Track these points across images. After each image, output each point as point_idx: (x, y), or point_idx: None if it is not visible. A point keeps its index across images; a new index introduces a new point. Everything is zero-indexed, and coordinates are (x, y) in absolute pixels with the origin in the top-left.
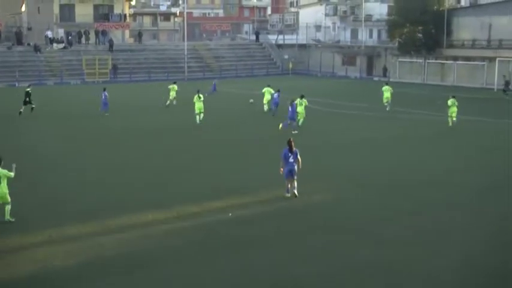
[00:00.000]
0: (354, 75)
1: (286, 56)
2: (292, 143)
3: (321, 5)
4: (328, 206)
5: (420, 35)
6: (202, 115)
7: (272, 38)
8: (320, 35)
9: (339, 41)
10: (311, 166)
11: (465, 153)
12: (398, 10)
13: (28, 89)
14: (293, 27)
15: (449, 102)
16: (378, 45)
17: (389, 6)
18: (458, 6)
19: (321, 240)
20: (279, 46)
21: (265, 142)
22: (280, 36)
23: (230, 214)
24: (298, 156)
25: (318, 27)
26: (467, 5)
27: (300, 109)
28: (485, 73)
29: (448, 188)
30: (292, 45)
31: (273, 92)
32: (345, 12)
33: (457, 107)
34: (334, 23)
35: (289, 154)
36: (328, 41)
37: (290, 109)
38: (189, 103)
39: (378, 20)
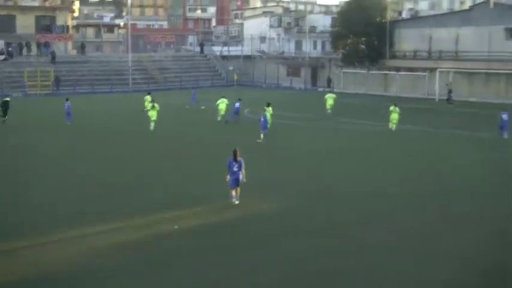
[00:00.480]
0: (299, 86)
1: (231, 68)
2: (237, 153)
3: (266, 16)
4: (275, 216)
5: (363, 47)
6: (153, 123)
7: (217, 49)
8: (265, 47)
9: (283, 52)
10: (259, 177)
11: (409, 163)
12: (341, 22)
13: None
14: (238, 39)
15: (391, 108)
16: (322, 57)
17: (333, 18)
18: (400, 18)
19: (266, 252)
20: (224, 57)
21: (215, 151)
22: (225, 48)
23: (176, 226)
24: (243, 166)
25: (262, 39)
26: (408, 17)
27: (267, 117)
28: (427, 83)
29: (393, 199)
30: (237, 57)
31: (227, 102)
32: (289, 23)
33: (399, 114)
34: (278, 35)
35: (234, 163)
36: (272, 53)
37: (262, 119)
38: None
39: (322, 32)
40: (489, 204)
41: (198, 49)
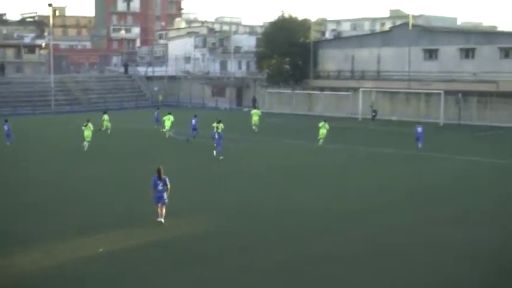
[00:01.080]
0: (224, 106)
1: (156, 88)
2: (162, 171)
3: (190, 37)
4: (198, 238)
5: (288, 67)
6: (87, 144)
7: (141, 70)
8: (190, 67)
9: (208, 73)
10: (186, 199)
11: (333, 181)
12: (266, 42)
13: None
14: (162, 59)
15: (320, 124)
16: (247, 77)
17: (257, 39)
18: (323, 38)
19: (186, 272)
20: (149, 78)
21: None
22: (150, 68)
23: (101, 249)
24: (168, 184)
25: (187, 59)
26: (332, 37)
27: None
28: (351, 103)
29: (316, 216)
30: (161, 77)
31: (172, 119)
32: (214, 44)
33: (327, 130)
34: (203, 55)
35: (158, 182)
36: (197, 73)
37: (217, 136)
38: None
39: (246, 52)
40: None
41: (122, 70)
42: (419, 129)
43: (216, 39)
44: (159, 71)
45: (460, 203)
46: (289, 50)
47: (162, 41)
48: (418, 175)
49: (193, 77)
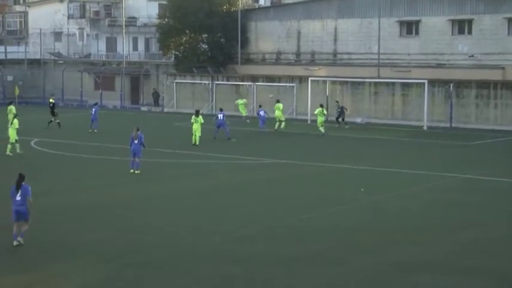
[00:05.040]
0: (113, 103)
1: (10, 77)
2: (23, 178)
3: (62, 2)
4: None
5: (205, 46)
6: (16, 144)
7: None
8: (61, 46)
9: (89, 55)
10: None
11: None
12: (173, 11)
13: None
14: (20, 35)
15: (317, 111)
16: (145, 61)
17: (160, 6)
18: (256, 6)
19: None
20: None
21: None
22: (1, 48)
23: None
24: (29, 194)
25: (58, 35)
26: (268, 5)
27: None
28: (295, 98)
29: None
30: (19, 61)
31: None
32: (97, 13)
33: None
34: (81, 29)
35: (16, 192)
36: (73, 56)
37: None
38: None
39: (145, 25)
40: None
41: None
42: (262, 112)
43: (99, 6)
44: (14, 51)
45: None
46: (207, 23)
47: (18, 8)
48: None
49: (67, 61)
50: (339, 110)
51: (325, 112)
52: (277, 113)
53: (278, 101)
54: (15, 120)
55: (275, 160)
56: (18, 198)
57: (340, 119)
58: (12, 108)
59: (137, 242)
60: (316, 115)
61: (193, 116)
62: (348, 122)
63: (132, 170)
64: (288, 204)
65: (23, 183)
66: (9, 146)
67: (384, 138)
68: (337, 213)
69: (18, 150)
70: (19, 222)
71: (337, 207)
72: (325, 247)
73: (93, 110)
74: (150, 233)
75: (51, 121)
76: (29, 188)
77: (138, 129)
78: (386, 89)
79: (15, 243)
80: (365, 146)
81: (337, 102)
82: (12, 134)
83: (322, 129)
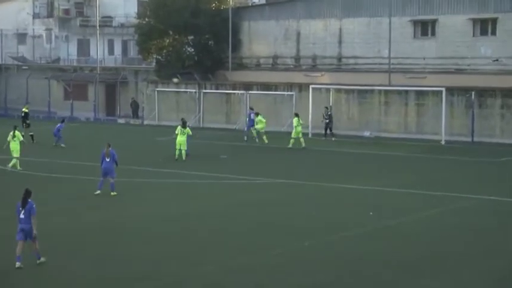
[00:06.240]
0: (86, 115)
1: None
2: (29, 195)
3: (27, 0)
4: None
5: (191, 50)
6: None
7: None
8: (26, 50)
9: (58, 60)
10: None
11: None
12: (155, 9)
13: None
14: None
15: (294, 121)
16: (123, 66)
17: (140, 4)
18: (250, 3)
19: None
20: None
21: None
22: None
23: None
24: (33, 213)
25: (21, 37)
26: (263, 2)
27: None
28: (294, 108)
29: None
30: None
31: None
32: (67, 12)
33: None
34: (49, 30)
35: (20, 208)
36: (40, 60)
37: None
38: None
39: (122, 26)
40: None
41: None
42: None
43: (70, 3)
44: None
45: None
46: (194, 23)
47: None
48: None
49: (33, 67)
50: (326, 118)
51: (301, 122)
52: (261, 126)
53: (258, 114)
54: (17, 133)
55: (270, 179)
56: (22, 216)
57: (328, 131)
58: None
59: (114, 273)
60: (294, 126)
61: (178, 127)
62: (335, 134)
63: (98, 191)
64: (287, 230)
65: (29, 200)
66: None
67: (396, 154)
68: (344, 240)
69: (18, 167)
70: (26, 241)
71: (343, 233)
72: (330, 280)
73: (58, 126)
74: (129, 263)
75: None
76: (34, 206)
77: (109, 146)
78: (398, 98)
79: (17, 264)
80: (373, 163)
81: (326, 108)
82: (15, 148)
83: (302, 142)
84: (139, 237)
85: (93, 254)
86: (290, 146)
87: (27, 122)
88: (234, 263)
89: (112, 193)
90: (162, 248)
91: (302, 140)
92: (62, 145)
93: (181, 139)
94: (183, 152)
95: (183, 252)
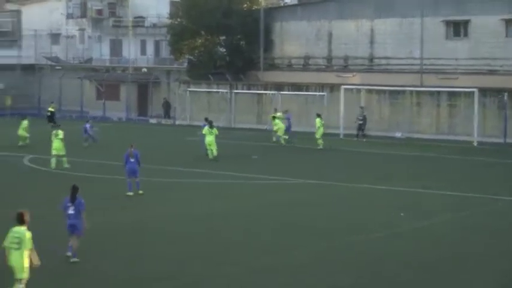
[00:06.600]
0: (118, 115)
1: (0, 85)
2: (77, 190)
3: (60, 0)
4: None
5: (223, 50)
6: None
7: None
8: (59, 50)
9: (91, 60)
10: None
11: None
12: (187, 10)
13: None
14: (12, 37)
15: (317, 122)
16: (155, 66)
17: (172, 4)
18: (282, 3)
19: None
20: None
21: None
22: None
23: None
24: (83, 208)
25: (55, 37)
26: (295, 2)
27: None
28: (326, 108)
29: None
30: (11, 67)
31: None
32: (99, 12)
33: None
34: (82, 30)
35: (69, 204)
36: (73, 60)
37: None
38: None
39: (154, 26)
40: None
41: None
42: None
43: (103, 3)
44: (6, 56)
45: None
46: (225, 23)
47: (10, 6)
48: None
49: (66, 67)
50: (361, 118)
51: (322, 122)
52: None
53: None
54: (60, 131)
55: (300, 180)
56: (71, 211)
57: (360, 132)
58: (25, 123)
59: (141, 272)
60: (317, 127)
61: (206, 127)
62: (367, 135)
63: (130, 193)
64: (315, 230)
65: (77, 196)
66: (64, 159)
67: (427, 155)
68: (370, 240)
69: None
70: (72, 235)
71: (372, 235)
72: (359, 282)
73: (84, 126)
74: (152, 262)
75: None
76: (83, 201)
77: (132, 146)
78: (430, 99)
79: (72, 259)
80: (404, 164)
81: (361, 108)
82: (59, 146)
83: (320, 142)
84: (166, 237)
85: (124, 254)
86: (320, 147)
87: (55, 121)
88: (257, 263)
89: (140, 192)
90: (187, 248)
91: (320, 141)
92: (85, 144)
93: (210, 139)
94: (214, 151)
95: (209, 252)
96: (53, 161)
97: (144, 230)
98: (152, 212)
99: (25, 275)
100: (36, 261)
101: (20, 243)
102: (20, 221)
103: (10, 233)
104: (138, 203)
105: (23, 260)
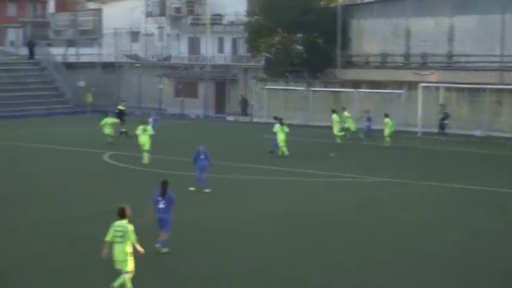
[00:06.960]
0: (195, 112)
1: (82, 83)
2: (167, 184)
3: None
4: None
5: (300, 48)
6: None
7: (57, 52)
8: (138, 48)
9: (169, 58)
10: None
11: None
12: (264, 7)
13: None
14: (93, 36)
15: (386, 121)
16: (232, 64)
17: (249, 1)
18: (359, 1)
19: None
20: (70, 66)
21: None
22: (72, 50)
23: None
24: (174, 203)
25: (134, 35)
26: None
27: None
28: (403, 107)
29: None
30: (92, 65)
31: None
32: (178, 10)
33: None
34: (161, 29)
35: (160, 198)
36: (152, 58)
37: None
38: None
39: (232, 24)
40: None
41: (24, 52)
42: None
43: (181, 2)
44: (87, 54)
45: None
46: (303, 21)
47: (92, 5)
48: None
49: (145, 64)
50: (442, 116)
51: (391, 123)
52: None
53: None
54: (149, 127)
55: (377, 178)
56: (162, 205)
57: (441, 130)
58: (108, 120)
59: (208, 270)
60: (385, 124)
61: (277, 125)
62: (447, 133)
63: (207, 190)
64: (393, 228)
65: (168, 191)
66: (146, 155)
67: (507, 154)
68: (446, 241)
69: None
70: (161, 229)
71: (447, 234)
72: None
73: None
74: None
75: (123, 131)
76: (173, 196)
77: (201, 144)
78: (510, 97)
79: (160, 249)
80: (484, 163)
81: (442, 106)
82: (146, 141)
83: (387, 140)
84: (235, 235)
85: (190, 252)
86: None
87: (124, 119)
88: (333, 261)
89: (206, 190)
90: (256, 247)
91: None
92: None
93: (282, 137)
94: (284, 148)
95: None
96: (146, 155)
97: (223, 227)
98: (228, 210)
99: (129, 267)
100: (141, 250)
101: (123, 236)
102: (122, 215)
103: (112, 228)
104: (218, 200)
105: (126, 253)
